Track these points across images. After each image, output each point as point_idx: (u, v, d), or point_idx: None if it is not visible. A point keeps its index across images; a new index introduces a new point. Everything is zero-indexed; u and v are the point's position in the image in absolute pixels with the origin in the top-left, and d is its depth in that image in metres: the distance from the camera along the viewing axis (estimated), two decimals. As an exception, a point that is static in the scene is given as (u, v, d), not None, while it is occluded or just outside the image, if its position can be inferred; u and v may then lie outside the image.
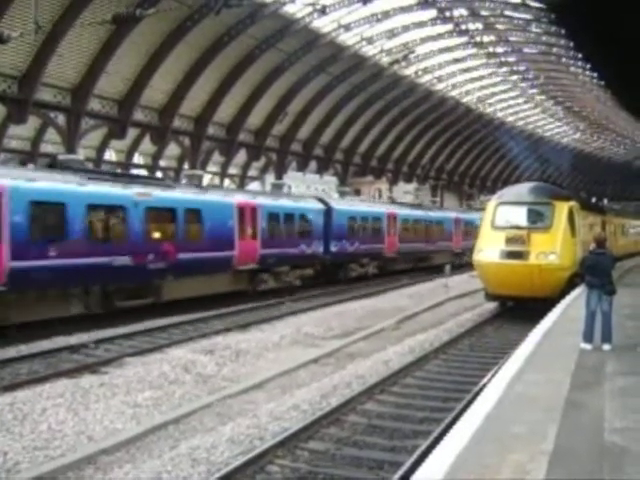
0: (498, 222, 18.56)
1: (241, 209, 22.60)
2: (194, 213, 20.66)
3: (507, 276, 17.64)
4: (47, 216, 16.13)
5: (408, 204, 41.50)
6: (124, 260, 17.75)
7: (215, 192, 23.30)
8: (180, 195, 20.50)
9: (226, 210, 21.96)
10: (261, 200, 24.43)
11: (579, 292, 16.87)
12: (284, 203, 26.23)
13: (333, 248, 28.45)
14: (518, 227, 18.07)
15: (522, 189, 20.13)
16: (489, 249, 18.24)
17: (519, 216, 18.49)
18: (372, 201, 42.59)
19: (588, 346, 10.13)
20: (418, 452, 7.67)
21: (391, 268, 34.06)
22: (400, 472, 7.16)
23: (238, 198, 23.19)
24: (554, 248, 17.58)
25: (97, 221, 17.73)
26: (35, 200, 15.52)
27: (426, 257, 38.34)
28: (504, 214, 18.62)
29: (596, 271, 10.33)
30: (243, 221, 22.64)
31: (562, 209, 18.38)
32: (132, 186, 18.66)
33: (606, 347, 10.05)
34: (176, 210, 19.86)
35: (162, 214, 19.75)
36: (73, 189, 16.61)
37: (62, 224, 16.25)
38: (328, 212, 28.51)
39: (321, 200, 29.35)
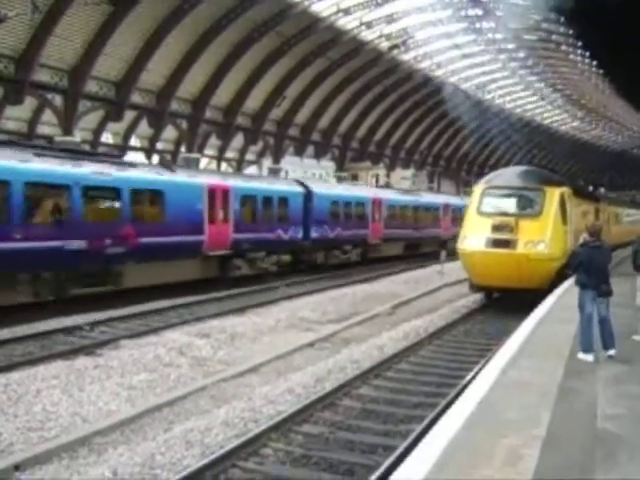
0: (484, 208, 17.52)
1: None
2: None
3: (493, 266, 16.53)
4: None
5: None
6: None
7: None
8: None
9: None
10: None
11: (572, 282, 16.80)
12: None
13: None
14: (506, 214, 17.03)
15: (511, 173, 19.11)
16: (474, 237, 17.16)
17: (507, 202, 17.51)
18: None
19: (589, 357, 8.70)
20: (412, 436, 7.71)
21: None
22: (393, 456, 7.19)
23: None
24: (543, 237, 16.62)
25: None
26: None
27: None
28: (491, 199, 17.64)
29: (591, 268, 8.98)
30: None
31: (553, 195, 17.36)
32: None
33: (612, 352, 8.92)
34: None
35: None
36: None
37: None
38: None
39: None
